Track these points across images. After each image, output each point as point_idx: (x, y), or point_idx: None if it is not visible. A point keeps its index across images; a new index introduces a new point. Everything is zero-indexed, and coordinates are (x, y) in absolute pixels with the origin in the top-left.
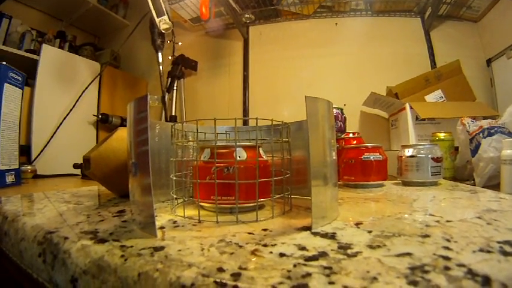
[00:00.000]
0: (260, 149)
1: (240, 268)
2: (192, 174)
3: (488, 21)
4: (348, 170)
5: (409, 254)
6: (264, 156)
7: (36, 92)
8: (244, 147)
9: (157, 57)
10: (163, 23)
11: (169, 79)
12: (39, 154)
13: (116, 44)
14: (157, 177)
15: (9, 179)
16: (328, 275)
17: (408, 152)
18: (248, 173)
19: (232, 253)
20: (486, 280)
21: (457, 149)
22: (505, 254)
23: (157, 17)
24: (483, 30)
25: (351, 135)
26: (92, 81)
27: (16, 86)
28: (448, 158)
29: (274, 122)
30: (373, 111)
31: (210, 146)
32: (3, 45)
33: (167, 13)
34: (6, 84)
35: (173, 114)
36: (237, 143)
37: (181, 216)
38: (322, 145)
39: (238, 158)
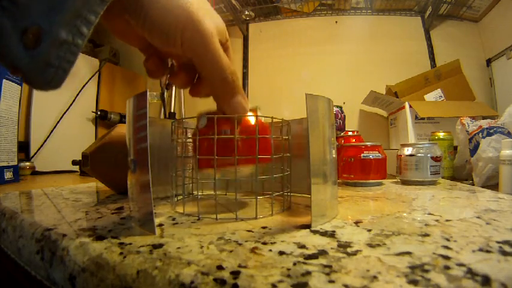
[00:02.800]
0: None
1: (240, 266)
2: (191, 170)
3: (488, 22)
4: (347, 168)
5: (408, 253)
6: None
7: None
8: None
9: None
10: None
11: (169, 76)
12: (37, 151)
13: (115, 41)
14: (156, 174)
15: (8, 175)
16: (328, 274)
17: (407, 150)
18: (248, 133)
19: (231, 251)
20: (486, 280)
21: (456, 148)
22: (505, 254)
23: None
24: (483, 30)
25: (350, 133)
26: (91, 77)
27: (15, 82)
28: (447, 158)
29: (274, 120)
30: (372, 110)
31: (207, 111)
32: None
33: None
34: (4, 80)
35: (172, 111)
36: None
37: (180, 213)
38: (322, 143)
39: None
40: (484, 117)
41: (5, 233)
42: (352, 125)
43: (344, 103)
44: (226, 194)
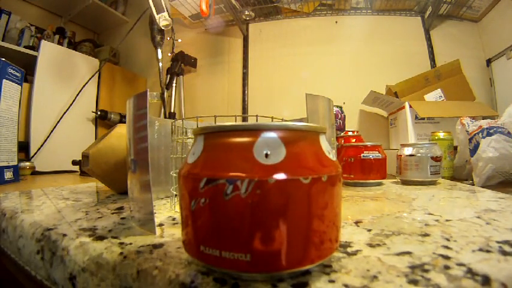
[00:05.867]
0: (322, 137)
1: None
2: None
3: (488, 22)
4: (347, 168)
5: (409, 253)
6: (331, 155)
7: (35, 88)
8: (283, 132)
9: (157, 54)
10: (162, 20)
11: (169, 76)
12: (37, 151)
13: (115, 41)
14: (156, 174)
15: (8, 175)
16: (328, 274)
17: (407, 150)
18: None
19: None
20: (486, 280)
21: (456, 148)
22: (505, 253)
23: (157, 13)
24: (483, 30)
25: (350, 133)
26: (91, 77)
27: (15, 82)
28: (447, 158)
29: (274, 120)
30: (372, 110)
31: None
32: (2, 41)
33: (167, 10)
34: (4, 81)
35: (172, 111)
36: (268, 122)
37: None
38: None
39: (265, 160)
40: (484, 117)
41: (5, 233)
42: (352, 125)
43: (344, 103)
44: None
